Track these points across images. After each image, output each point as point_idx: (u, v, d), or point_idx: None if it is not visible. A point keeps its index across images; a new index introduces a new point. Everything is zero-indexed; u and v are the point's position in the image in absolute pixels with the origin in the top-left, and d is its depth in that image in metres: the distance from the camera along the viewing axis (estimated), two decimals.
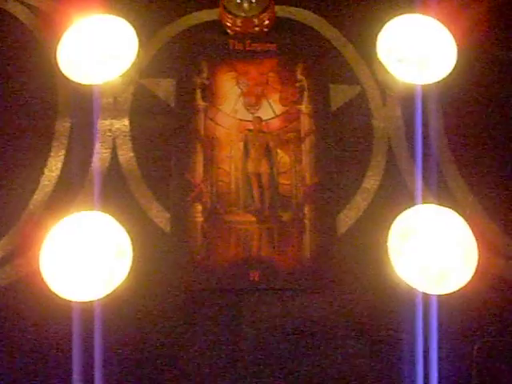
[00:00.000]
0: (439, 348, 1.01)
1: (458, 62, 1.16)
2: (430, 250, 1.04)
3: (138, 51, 1.18)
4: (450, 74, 1.15)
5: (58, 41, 1.18)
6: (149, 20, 1.25)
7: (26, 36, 1.25)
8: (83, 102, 1.17)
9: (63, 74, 1.15)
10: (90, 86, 1.15)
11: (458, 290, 1.01)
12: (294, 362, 1.02)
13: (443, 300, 1.01)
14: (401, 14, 1.20)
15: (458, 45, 1.17)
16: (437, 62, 1.17)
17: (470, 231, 1.05)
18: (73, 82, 1.15)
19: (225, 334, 1.04)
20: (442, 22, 1.19)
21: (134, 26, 1.19)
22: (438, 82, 1.15)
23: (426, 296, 1.02)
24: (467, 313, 1.04)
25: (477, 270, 1.02)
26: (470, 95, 1.20)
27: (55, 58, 1.16)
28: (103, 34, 1.19)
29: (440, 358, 1.00)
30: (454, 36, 1.18)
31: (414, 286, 1.02)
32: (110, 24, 1.20)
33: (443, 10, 1.21)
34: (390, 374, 1.02)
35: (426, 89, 1.16)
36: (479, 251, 1.03)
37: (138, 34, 1.18)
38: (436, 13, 1.20)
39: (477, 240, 1.04)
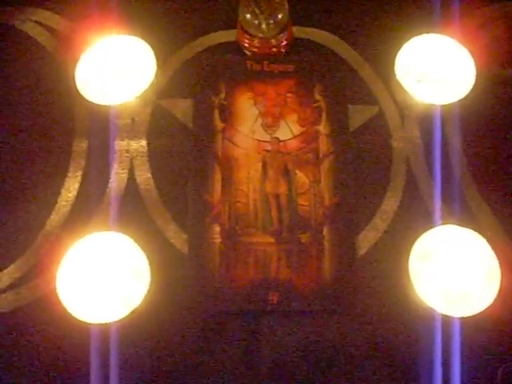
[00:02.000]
0: (462, 372, 0.99)
1: (476, 81, 1.15)
2: (451, 272, 1.03)
3: (156, 72, 1.18)
4: (469, 93, 1.15)
5: (77, 62, 1.18)
6: (167, 41, 1.25)
7: (45, 57, 1.26)
8: (101, 123, 1.17)
9: (81, 95, 1.16)
10: (108, 106, 1.15)
11: (481, 312, 0.99)
12: None
13: (465, 322, 1.00)
14: (419, 34, 1.20)
15: (476, 65, 1.17)
16: (456, 81, 1.17)
17: (493, 252, 1.03)
18: (90, 102, 1.15)
19: (243, 355, 1.02)
20: (461, 42, 1.19)
21: (152, 47, 1.19)
22: (457, 101, 1.15)
23: (447, 318, 1.00)
24: (490, 335, 1.03)
25: (500, 292, 1.00)
26: (489, 115, 1.20)
27: (73, 79, 1.17)
28: (121, 54, 1.20)
29: (462, 382, 0.98)
30: (472, 56, 1.18)
31: (435, 308, 1.00)
32: (128, 45, 1.20)
33: (462, 30, 1.21)
34: None
35: (444, 109, 1.16)
36: (502, 272, 1.01)
37: (156, 55, 1.19)
38: (455, 33, 1.20)
39: (499, 261, 1.02)
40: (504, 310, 1.01)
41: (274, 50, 1.24)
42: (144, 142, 1.17)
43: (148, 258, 1.04)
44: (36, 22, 1.29)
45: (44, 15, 1.30)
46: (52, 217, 1.12)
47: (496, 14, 1.29)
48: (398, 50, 1.19)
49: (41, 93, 1.22)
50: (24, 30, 1.28)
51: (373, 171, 1.16)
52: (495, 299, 1.00)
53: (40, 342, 1.03)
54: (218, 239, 1.09)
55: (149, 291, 1.02)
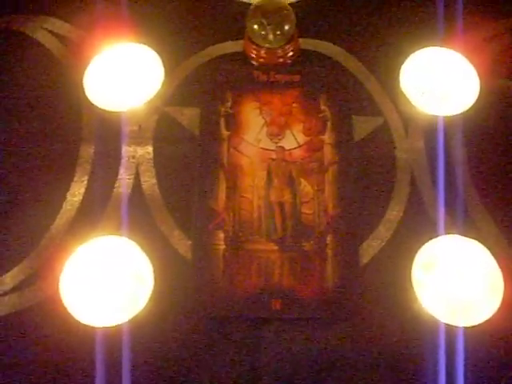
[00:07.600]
0: (465, 381, 0.98)
1: (480, 94, 1.16)
2: (454, 281, 1.03)
3: (164, 80, 1.20)
4: (473, 106, 1.16)
5: (86, 69, 1.20)
6: (175, 50, 1.27)
7: (55, 64, 1.28)
8: (108, 129, 1.19)
9: (89, 101, 1.17)
10: (116, 112, 1.17)
11: (484, 323, 0.99)
12: None
13: (468, 332, 0.99)
14: (424, 47, 1.22)
15: (480, 78, 1.18)
16: (459, 94, 1.18)
17: (496, 262, 1.03)
18: (98, 108, 1.16)
19: (245, 362, 1.02)
20: (465, 56, 1.21)
21: (160, 55, 1.21)
22: (461, 114, 1.16)
23: (450, 328, 1.00)
24: (493, 346, 1.02)
25: (503, 302, 1.00)
26: (491, 127, 1.21)
27: (82, 86, 1.18)
28: (130, 62, 1.21)
29: None
30: (476, 69, 1.19)
31: (438, 318, 1.00)
32: (136, 53, 1.22)
33: (466, 43, 1.22)
34: None
35: (448, 120, 1.16)
36: (505, 282, 1.01)
37: (164, 63, 1.20)
38: (459, 46, 1.21)
39: (502, 271, 1.03)
40: (507, 320, 1.01)
41: (281, 60, 1.25)
42: (150, 149, 1.18)
43: (152, 263, 1.04)
44: (47, 29, 1.31)
45: (55, 23, 1.32)
46: (57, 221, 1.12)
47: (500, 28, 1.31)
48: (403, 62, 1.20)
49: (50, 99, 1.24)
50: (35, 37, 1.31)
51: (377, 181, 1.16)
52: (498, 309, 0.99)
53: (43, 344, 1.03)
54: (221, 246, 1.09)
55: (152, 296, 1.01)
